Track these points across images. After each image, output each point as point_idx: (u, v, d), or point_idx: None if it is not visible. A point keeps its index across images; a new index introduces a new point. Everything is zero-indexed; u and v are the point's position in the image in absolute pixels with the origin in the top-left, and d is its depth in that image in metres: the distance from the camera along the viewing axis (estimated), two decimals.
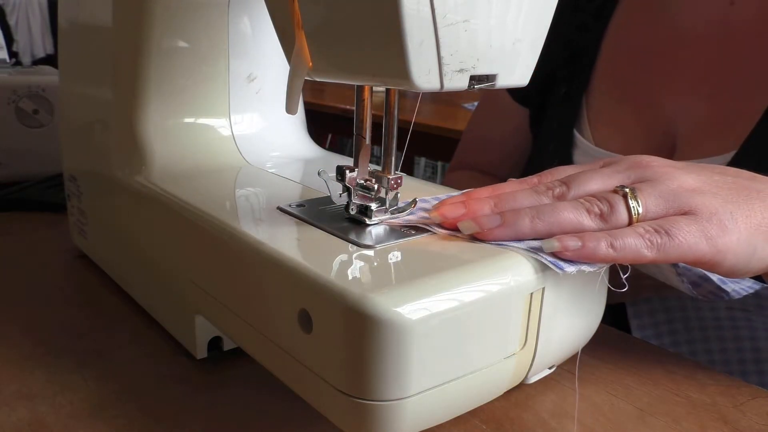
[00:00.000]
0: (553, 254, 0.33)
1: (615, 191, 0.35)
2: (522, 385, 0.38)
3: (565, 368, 0.41)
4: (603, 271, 0.32)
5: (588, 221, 0.34)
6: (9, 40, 4.56)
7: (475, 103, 0.91)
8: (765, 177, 0.38)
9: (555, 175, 0.39)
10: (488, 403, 0.36)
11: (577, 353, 0.39)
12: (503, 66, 0.32)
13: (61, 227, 0.64)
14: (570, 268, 0.32)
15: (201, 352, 0.42)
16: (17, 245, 0.63)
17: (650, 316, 0.56)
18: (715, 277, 0.42)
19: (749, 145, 0.53)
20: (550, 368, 0.40)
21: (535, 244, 0.34)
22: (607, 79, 0.65)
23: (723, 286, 0.42)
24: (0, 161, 0.78)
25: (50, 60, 4.53)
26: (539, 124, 0.72)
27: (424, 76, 0.30)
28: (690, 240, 0.33)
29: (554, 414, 0.38)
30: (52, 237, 0.64)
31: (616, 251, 0.32)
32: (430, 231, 0.36)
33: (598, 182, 0.37)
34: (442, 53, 0.30)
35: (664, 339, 0.55)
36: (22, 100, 0.78)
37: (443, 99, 2.11)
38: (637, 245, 0.33)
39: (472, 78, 0.31)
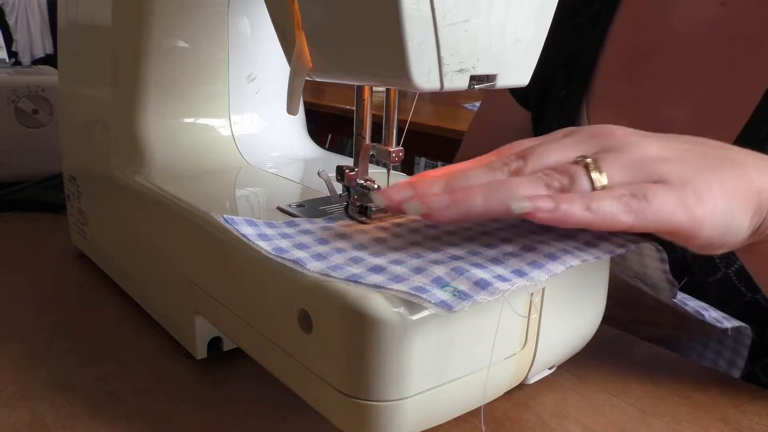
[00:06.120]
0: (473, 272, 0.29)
1: (576, 162, 0.32)
2: (522, 385, 0.38)
3: (565, 368, 0.41)
4: (505, 295, 0.29)
5: None
6: (8, 40, 4.56)
7: (476, 104, 0.90)
8: (736, 147, 0.35)
9: (513, 149, 0.35)
10: (488, 403, 0.36)
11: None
12: (503, 66, 0.32)
13: (61, 227, 0.64)
14: (458, 306, 0.27)
15: (201, 352, 0.42)
16: (17, 245, 0.62)
17: None
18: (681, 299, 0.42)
19: (741, 145, 0.53)
20: (550, 368, 0.40)
21: (424, 281, 0.29)
22: (606, 83, 0.65)
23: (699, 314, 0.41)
24: (0, 161, 0.78)
25: (50, 60, 4.52)
26: (540, 127, 0.72)
27: (424, 76, 0.30)
28: (667, 207, 0.30)
29: (554, 414, 0.38)
30: (52, 237, 0.64)
31: (593, 213, 0.30)
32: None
33: (558, 154, 0.33)
34: (442, 53, 0.30)
35: None
36: (21, 100, 0.78)
37: (443, 99, 2.11)
38: (614, 209, 0.30)
39: (472, 78, 0.31)
